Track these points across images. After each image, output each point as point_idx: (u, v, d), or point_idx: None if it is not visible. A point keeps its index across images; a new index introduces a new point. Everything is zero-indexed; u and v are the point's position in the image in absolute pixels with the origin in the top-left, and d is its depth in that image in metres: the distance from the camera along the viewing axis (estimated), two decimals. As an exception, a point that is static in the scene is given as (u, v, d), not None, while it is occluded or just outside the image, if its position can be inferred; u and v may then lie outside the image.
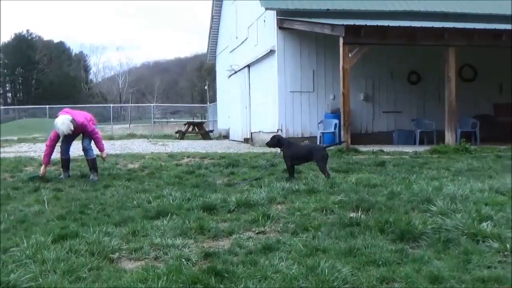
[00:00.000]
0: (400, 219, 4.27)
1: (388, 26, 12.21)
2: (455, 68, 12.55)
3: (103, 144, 8.18)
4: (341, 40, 11.83)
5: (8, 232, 4.44)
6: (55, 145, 7.98)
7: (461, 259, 3.45)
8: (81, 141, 8.17)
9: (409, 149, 11.82)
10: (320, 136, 13.98)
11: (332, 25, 12.33)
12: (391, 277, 3.12)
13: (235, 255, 3.70)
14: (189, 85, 76.11)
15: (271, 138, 7.59)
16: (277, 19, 14.72)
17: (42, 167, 7.89)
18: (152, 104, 37.56)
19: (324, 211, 4.94)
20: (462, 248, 3.66)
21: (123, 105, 56.43)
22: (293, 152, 7.26)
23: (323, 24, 12.88)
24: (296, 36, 14.86)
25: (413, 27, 12.42)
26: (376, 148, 11.72)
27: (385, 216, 4.40)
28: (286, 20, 14.45)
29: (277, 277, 3.14)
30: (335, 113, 14.12)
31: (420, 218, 4.39)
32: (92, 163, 8.03)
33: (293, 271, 3.21)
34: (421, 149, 11.55)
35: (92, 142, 8.07)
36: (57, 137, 7.88)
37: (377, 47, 13.22)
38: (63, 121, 7.64)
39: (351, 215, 4.71)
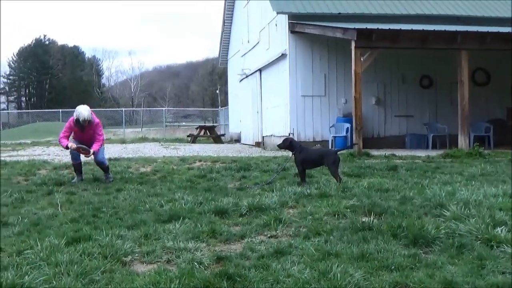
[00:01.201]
0: (413, 224, 4.24)
1: (400, 29, 12.18)
2: (468, 72, 12.46)
3: (99, 146, 8.28)
4: (353, 44, 11.82)
5: (22, 234, 4.48)
6: (68, 136, 8.15)
7: (475, 265, 3.42)
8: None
9: (421, 153, 11.75)
10: (331, 140, 13.95)
11: (344, 29, 12.32)
12: (404, 282, 3.10)
13: (247, 259, 3.70)
14: (200, 89, 76.32)
15: (283, 141, 7.59)
16: (289, 23, 14.75)
17: (70, 145, 7.99)
18: (164, 108, 37.77)
19: (336, 216, 4.93)
20: (476, 254, 3.62)
21: (135, 109, 56.74)
22: (305, 156, 7.24)
23: (335, 28, 12.88)
24: (308, 40, 14.86)
25: (425, 31, 12.37)
26: (388, 152, 11.67)
27: (398, 221, 4.37)
28: (298, 24, 14.46)
29: (289, 281, 3.13)
30: (347, 117, 14.10)
31: (433, 223, 4.36)
32: (107, 168, 8.23)
33: (305, 275, 3.20)
34: (433, 153, 11.48)
35: (105, 152, 8.22)
36: (70, 128, 8.09)
37: (389, 50, 13.21)
38: (86, 108, 8.11)
39: (364, 219, 4.69)
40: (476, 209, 4.87)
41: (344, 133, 13.94)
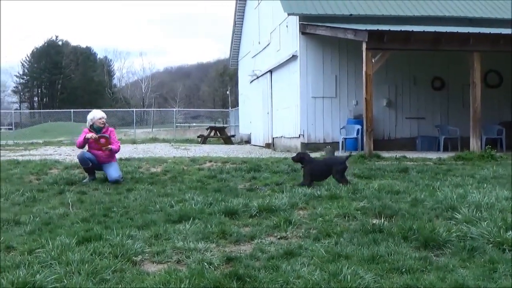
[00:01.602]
0: (424, 227, 4.22)
1: (412, 31, 12.12)
2: (480, 74, 12.36)
3: (118, 147, 8.40)
4: (364, 46, 11.78)
5: (33, 233, 4.51)
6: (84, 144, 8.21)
7: (487, 268, 3.39)
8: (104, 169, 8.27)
9: (432, 155, 11.68)
10: (342, 142, 13.91)
11: (355, 30, 12.29)
12: (415, 285, 3.08)
13: (256, 260, 3.70)
14: (211, 90, 76.55)
15: (296, 154, 7.72)
16: (300, 24, 14.74)
17: (90, 135, 8.05)
18: (174, 109, 37.89)
19: (347, 217, 4.91)
20: (487, 257, 3.59)
21: (146, 109, 57.01)
22: (313, 169, 7.24)
23: (346, 29, 12.85)
24: (319, 41, 14.84)
25: (437, 32, 12.30)
26: (399, 154, 11.61)
27: (409, 223, 4.35)
28: (309, 26, 14.45)
29: (299, 282, 3.13)
30: (358, 119, 14.06)
31: (444, 226, 4.33)
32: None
33: (315, 276, 3.19)
34: (445, 155, 11.40)
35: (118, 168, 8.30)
36: (85, 136, 8.15)
37: (401, 52, 13.14)
38: (99, 111, 8.43)
39: (374, 221, 4.67)
40: (488, 212, 4.83)
41: (354, 135, 13.90)
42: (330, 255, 3.67)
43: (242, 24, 23.74)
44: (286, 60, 15.83)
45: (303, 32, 14.74)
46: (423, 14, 15.24)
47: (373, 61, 11.85)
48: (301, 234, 4.42)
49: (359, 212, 5.08)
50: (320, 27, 14.03)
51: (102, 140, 8.13)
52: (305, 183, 7.11)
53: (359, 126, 13.64)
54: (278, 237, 4.39)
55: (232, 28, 24.54)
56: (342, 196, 6.00)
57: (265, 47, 19.12)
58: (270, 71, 18.17)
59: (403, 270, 3.34)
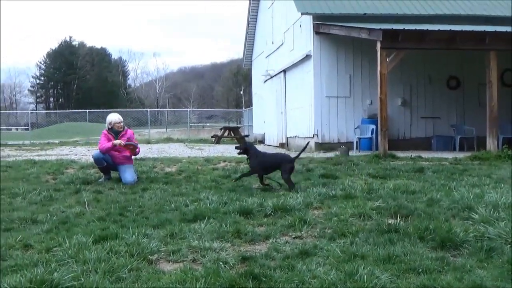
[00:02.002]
0: (440, 227, 4.18)
1: (426, 30, 12.01)
2: (497, 73, 12.22)
3: (139, 149, 8.49)
4: (378, 45, 11.71)
5: (51, 232, 4.56)
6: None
7: (505, 269, 3.35)
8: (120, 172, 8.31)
9: (448, 155, 11.57)
10: (356, 142, 13.85)
11: (369, 30, 12.22)
12: (432, 285, 3.06)
13: (272, 260, 3.69)
14: (224, 90, 76.70)
15: (242, 144, 7.80)
16: (314, 24, 14.69)
17: (118, 142, 8.10)
18: (188, 109, 38.01)
19: (362, 217, 4.89)
20: (505, 257, 3.55)
21: (160, 109, 57.28)
22: (260, 162, 7.24)
23: (360, 28, 12.78)
24: (333, 41, 14.78)
25: (452, 31, 12.17)
26: (414, 154, 11.52)
27: (425, 223, 4.31)
28: (323, 25, 14.40)
29: (314, 282, 3.12)
30: (372, 119, 13.98)
31: (461, 226, 4.29)
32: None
33: (331, 276, 3.18)
34: (461, 155, 11.29)
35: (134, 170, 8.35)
36: (106, 137, 8.25)
37: (415, 51, 13.03)
38: (117, 115, 8.51)
39: (390, 221, 4.64)
40: (505, 212, 4.77)
41: (369, 135, 13.82)
42: (345, 255, 3.66)
43: (256, 24, 23.75)
44: (300, 60, 15.80)
45: (316, 31, 14.69)
46: (438, 12, 15.10)
47: (387, 60, 11.77)
48: (316, 234, 4.41)
49: (374, 211, 5.06)
50: (334, 26, 13.98)
51: (130, 147, 8.22)
52: (248, 174, 7.32)
53: (373, 126, 13.57)
54: (293, 236, 4.39)
55: (245, 28, 24.56)
56: (357, 195, 5.98)
57: (278, 47, 19.11)
58: (284, 71, 18.14)
59: (420, 270, 3.32)
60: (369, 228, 4.43)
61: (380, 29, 11.66)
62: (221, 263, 3.54)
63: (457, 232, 4.04)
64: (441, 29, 12.37)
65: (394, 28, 11.93)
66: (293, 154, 11.96)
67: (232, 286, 3.08)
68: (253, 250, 3.97)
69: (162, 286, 3.03)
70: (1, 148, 17.97)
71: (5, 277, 3.24)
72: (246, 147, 7.51)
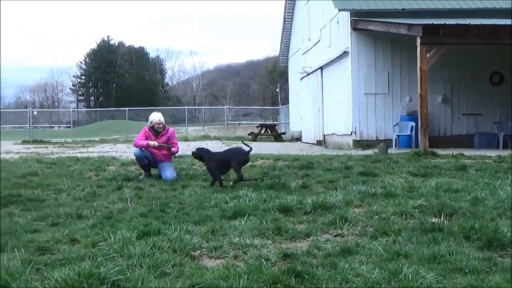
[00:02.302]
0: (486, 226, 4.08)
1: (469, 24, 11.71)
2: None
3: (178, 149, 8.61)
4: (418, 40, 11.48)
5: (95, 227, 4.67)
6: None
7: (556, 270, 3.24)
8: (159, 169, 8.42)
9: (492, 153, 11.25)
10: (395, 139, 13.64)
11: (409, 25, 11.99)
12: (480, 286, 2.98)
13: (313, 257, 3.68)
14: (260, 87, 76.78)
15: (196, 149, 7.90)
16: (351, 20, 14.53)
17: (152, 143, 8.22)
18: (225, 107, 38.23)
19: (404, 216, 4.81)
20: (556, 258, 3.44)
21: (197, 107, 57.83)
22: (216, 162, 7.38)
23: (399, 24, 12.57)
24: (371, 37, 14.59)
25: (495, 25, 11.82)
26: (455, 151, 11.26)
27: (470, 222, 4.21)
28: (360, 21, 14.23)
29: (358, 280, 3.09)
30: (412, 116, 13.74)
31: (508, 226, 4.17)
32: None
33: (375, 275, 3.14)
34: (505, 153, 10.96)
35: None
36: (145, 134, 8.40)
37: (456, 46, 12.72)
38: (159, 113, 8.69)
39: (433, 220, 4.56)
40: (554, 211, 4.61)
41: (408, 132, 13.59)
42: (388, 254, 3.61)
43: (292, 21, 23.67)
44: (337, 57, 15.66)
45: (354, 28, 14.53)
46: (480, 6, 14.69)
47: (427, 56, 11.53)
48: (357, 232, 4.37)
49: (416, 210, 4.97)
50: (372, 22, 13.79)
51: (165, 149, 8.34)
52: (214, 180, 7.29)
53: (413, 123, 13.32)
54: (334, 234, 4.36)
55: (282, 25, 24.51)
56: (398, 194, 5.89)
57: (315, 44, 18.99)
58: (321, 68, 18.03)
59: (467, 270, 3.24)
60: (412, 227, 4.36)
61: (420, 24, 11.43)
62: (263, 260, 3.55)
63: (504, 232, 3.93)
64: (483, 23, 12.03)
65: (434, 23, 11.67)
66: (329, 152, 11.85)
67: (275, 283, 3.08)
68: (294, 248, 3.97)
69: (205, 282, 3.06)
70: (46, 144, 18.47)
71: (53, 270, 3.33)
72: (198, 153, 7.73)
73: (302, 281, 3.13)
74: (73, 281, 3.00)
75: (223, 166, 7.46)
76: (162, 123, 8.48)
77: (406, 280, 3.03)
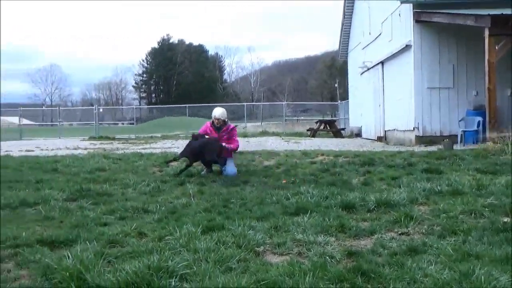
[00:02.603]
0: None
1: (542, 14, 11.09)
2: None
3: (236, 147, 8.71)
4: (486, 32, 11.02)
5: (161, 221, 4.80)
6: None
7: None
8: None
9: None
10: (461, 135, 13.15)
11: (476, 16, 11.51)
12: (558, 289, 2.84)
13: (378, 256, 3.62)
14: (319, 83, 76.20)
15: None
16: (414, 12, 14.11)
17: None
18: (283, 102, 38.18)
19: (473, 215, 4.64)
20: None
21: (255, 103, 58.14)
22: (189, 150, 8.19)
23: (465, 15, 12.08)
24: (434, 29, 14.12)
25: None
26: (526, 148, 10.70)
27: (545, 223, 4.01)
28: (424, 13, 13.79)
29: (427, 281, 3.01)
30: (478, 110, 13.19)
31: None
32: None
33: (444, 275, 3.05)
34: None
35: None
36: (206, 129, 8.60)
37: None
38: (221, 108, 8.84)
39: (504, 219, 4.37)
40: None
41: (475, 127, 13.05)
42: (458, 254, 3.49)
43: (352, 15, 23.29)
44: (399, 50, 15.26)
45: (417, 20, 14.10)
46: (554, -6, 13.87)
47: (496, 48, 11.04)
48: (423, 231, 4.25)
49: (486, 209, 4.78)
50: (436, 14, 13.33)
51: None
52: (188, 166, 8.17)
53: (480, 118, 12.78)
54: (399, 232, 4.27)
55: (341, 20, 24.17)
56: (465, 192, 5.69)
57: (376, 38, 18.61)
58: (382, 62, 17.64)
59: (543, 273, 3.08)
60: (482, 226, 4.20)
61: (488, 15, 10.95)
62: (327, 257, 3.53)
63: None
64: (558, 12, 11.36)
65: (504, 13, 11.15)
66: (390, 148, 11.59)
67: (340, 281, 3.05)
68: (358, 245, 3.92)
69: (270, 278, 3.07)
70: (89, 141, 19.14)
71: (124, 262, 3.45)
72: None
73: (368, 280, 3.08)
74: (143, 274, 3.10)
75: (196, 154, 8.18)
76: (221, 119, 8.57)
77: (478, 281, 2.91)
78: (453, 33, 14.02)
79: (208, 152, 7.93)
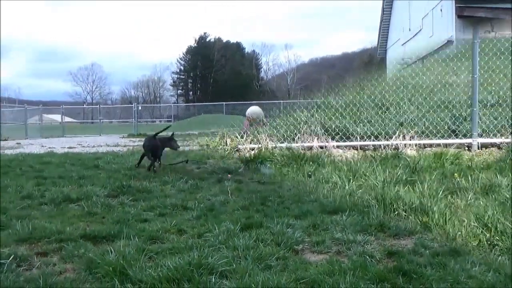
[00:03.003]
0: None
1: None
2: None
3: None
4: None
5: (200, 218, 4.85)
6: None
7: None
8: None
9: None
10: None
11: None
12: None
13: (420, 256, 3.56)
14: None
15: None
16: (456, 7, 13.80)
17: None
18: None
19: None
20: None
21: (291, 101, 57.99)
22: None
23: (507, 9, 11.72)
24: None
25: None
26: None
27: None
28: (467, 8, 13.46)
29: (471, 283, 2.94)
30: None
31: None
32: None
33: (489, 277, 2.97)
34: None
35: None
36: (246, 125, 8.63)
37: None
38: (255, 107, 8.66)
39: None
40: None
41: None
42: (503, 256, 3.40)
43: (391, 11, 22.96)
44: (440, 46, 14.94)
45: (459, 15, 13.79)
46: None
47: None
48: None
49: (533, 210, 4.62)
50: (479, 9, 13.01)
51: None
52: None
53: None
54: (440, 233, 4.18)
55: (380, 16, 23.84)
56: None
57: (416, 34, 18.29)
58: (422, 58, 17.29)
59: None
60: (528, 228, 4.07)
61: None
62: (367, 256, 3.49)
63: None
64: None
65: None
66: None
67: (381, 281, 3.02)
68: (398, 245, 3.86)
69: (310, 277, 3.06)
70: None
71: (164, 258, 3.51)
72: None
73: (409, 280, 3.04)
74: (183, 270, 3.14)
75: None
76: (251, 117, 8.61)
77: (524, 284, 2.84)
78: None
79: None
